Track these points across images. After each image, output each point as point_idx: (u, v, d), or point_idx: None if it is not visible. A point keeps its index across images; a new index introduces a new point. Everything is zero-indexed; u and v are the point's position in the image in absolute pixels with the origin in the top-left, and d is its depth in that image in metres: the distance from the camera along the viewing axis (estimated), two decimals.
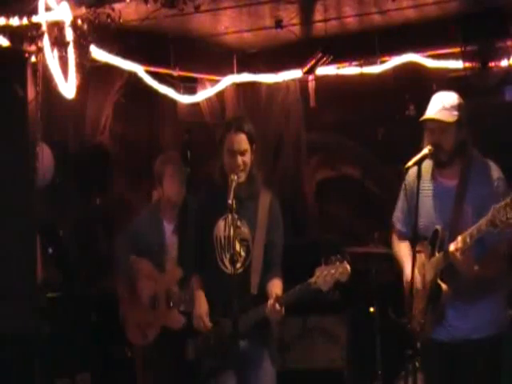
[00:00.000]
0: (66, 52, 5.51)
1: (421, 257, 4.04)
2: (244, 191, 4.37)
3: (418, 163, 3.95)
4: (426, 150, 3.98)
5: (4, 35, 5.48)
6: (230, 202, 4.14)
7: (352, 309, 6.69)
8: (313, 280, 4.14)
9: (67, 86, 5.60)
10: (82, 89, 5.76)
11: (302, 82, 7.45)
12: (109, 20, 5.48)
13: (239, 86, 7.64)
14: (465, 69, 6.52)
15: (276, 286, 4.32)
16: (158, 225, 5.46)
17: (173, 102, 7.36)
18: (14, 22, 5.45)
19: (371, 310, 6.23)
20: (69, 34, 5.51)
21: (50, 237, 6.66)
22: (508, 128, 6.49)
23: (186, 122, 7.57)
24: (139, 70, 6.79)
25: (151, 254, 5.42)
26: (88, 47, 5.62)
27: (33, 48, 5.55)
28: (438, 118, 4.00)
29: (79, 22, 5.50)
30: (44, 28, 5.46)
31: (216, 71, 7.48)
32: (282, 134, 7.82)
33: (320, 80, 7.24)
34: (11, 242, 5.39)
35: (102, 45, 5.97)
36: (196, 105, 7.49)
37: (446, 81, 6.55)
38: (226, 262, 4.38)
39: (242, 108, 7.68)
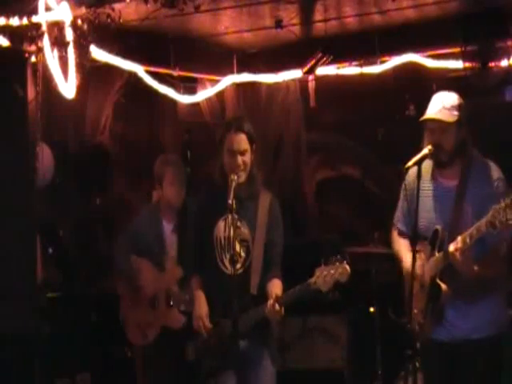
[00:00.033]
0: (66, 52, 5.51)
1: (421, 257, 4.04)
2: (244, 191, 4.37)
3: (418, 163, 3.95)
4: (426, 150, 3.98)
5: (4, 35, 5.48)
6: (230, 202, 4.14)
7: (352, 309, 6.69)
8: (312, 280, 4.14)
9: (67, 86, 5.60)
10: (82, 89, 5.76)
11: (302, 82, 7.44)
12: (109, 20, 5.48)
13: (239, 86, 7.63)
14: (465, 69, 6.52)
15: (276, 286, 4.32)
16: (158, 225, 5.47)
17: (173, 102, 7.35)
18: (14, 22, 5.45)
19: (371, 309, 6.24)
20: (69, 34, 5.51)
21: (50, 237, 6.67)
22: (508, 128, 6.48)
23: (186, 121, 7.56)
24: (139, 70, 6.79)
25: (151, 254, 5.43)
26: (88, 47, 5.61)
27: (33, 48, 5.55)
28: (438, 118, 4.00)
29: (79, 22, 5.50)
30: (44, 28, 5.46)
31: (216, 71, 7.47)
32: (282, 134, 7.82)
33: (320, 80, 7.24)
34: (11, 242, 5.39)
35: (102, 45, 5.96)
36: (196, 105, 7.48)
37: (445, 81, 6.53)
38: (226, 263, 4.37)
39: (242, 108, 7.67)
